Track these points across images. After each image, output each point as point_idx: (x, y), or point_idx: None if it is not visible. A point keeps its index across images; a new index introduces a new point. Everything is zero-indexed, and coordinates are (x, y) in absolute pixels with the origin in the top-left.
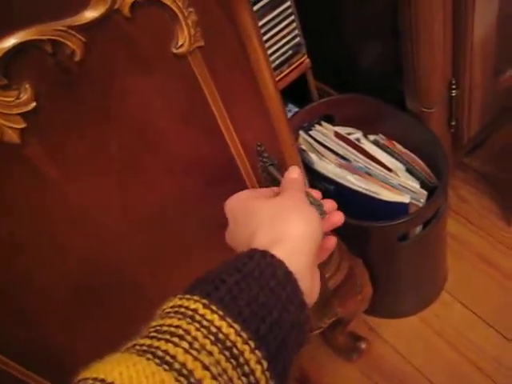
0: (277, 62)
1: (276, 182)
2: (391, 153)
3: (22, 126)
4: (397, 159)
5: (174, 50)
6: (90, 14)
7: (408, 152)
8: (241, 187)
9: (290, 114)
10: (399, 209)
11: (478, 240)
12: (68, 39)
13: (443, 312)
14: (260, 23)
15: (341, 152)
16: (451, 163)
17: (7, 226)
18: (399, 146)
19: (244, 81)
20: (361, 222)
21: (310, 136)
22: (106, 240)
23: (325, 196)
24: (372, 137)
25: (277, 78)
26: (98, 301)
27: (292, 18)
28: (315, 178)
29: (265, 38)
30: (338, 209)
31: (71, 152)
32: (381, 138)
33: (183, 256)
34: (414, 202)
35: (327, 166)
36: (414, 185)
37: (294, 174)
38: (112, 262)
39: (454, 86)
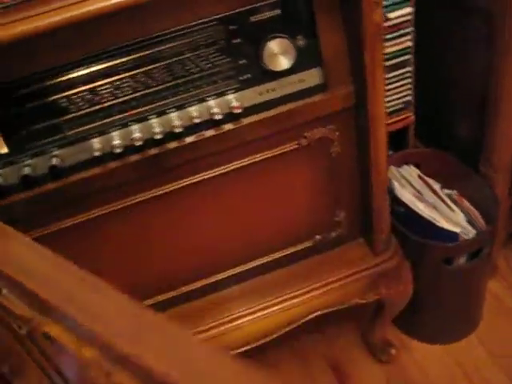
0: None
1: None
2: (459, 206)
3: None
4: (462, 211)
5: None
6: None
7: (473, 208)
8: None
9: None
10: (450, 236)
11: None
12: None
13: (467, 350)
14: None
15: (418, 187)
16: (507, 222)
17: None
18: (467, 203)
19: None
20: (419, 237)
21: (398, 171)
22: None
23: (395, 216)
24: (447, 191)
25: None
26: None
27: (409, 80)
28: (393, 201)
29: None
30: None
31: None
32: (454, 193)
33: None
34: (463, 235)
35: (404, 194)
36: (467, 226)
37: None
38: None
39: None
